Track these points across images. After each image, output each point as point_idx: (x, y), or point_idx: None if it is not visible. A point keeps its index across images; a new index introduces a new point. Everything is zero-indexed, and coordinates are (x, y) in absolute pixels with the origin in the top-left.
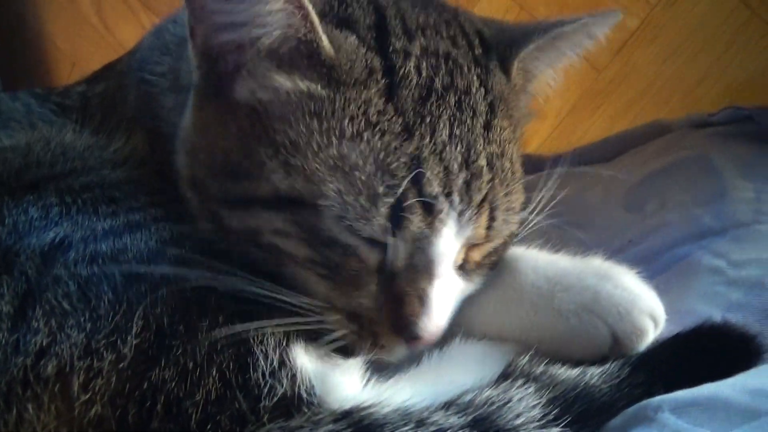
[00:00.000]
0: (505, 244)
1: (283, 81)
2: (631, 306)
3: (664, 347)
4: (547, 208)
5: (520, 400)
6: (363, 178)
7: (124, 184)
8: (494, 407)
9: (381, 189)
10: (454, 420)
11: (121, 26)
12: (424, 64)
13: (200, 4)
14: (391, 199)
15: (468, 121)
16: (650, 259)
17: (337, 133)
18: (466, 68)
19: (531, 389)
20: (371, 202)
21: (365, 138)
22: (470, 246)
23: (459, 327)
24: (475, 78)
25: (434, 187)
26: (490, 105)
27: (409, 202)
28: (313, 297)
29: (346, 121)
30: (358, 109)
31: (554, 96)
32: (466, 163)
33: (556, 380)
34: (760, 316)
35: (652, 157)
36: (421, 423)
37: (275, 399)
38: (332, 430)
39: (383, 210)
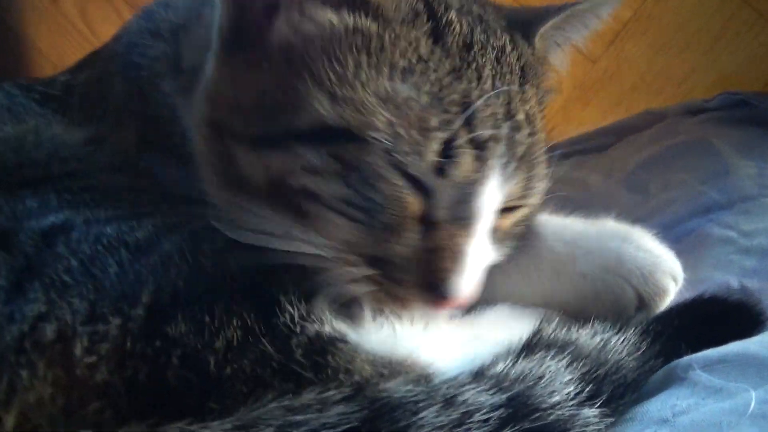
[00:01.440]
0: (531, 214)
1: (330, 16)
2: (654, 268)
3: (676, 315)
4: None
5: (553, 375)
6: (416, 110)
7: (120, 189)
8: (528, 384)
9: (434, 122)
10: (486, 398)
11: (107, 29)
12: (463, 18)
13: None
14: (444, 134)
15: (507, 76)
16: (659, 235)
17: (387, 66)
18: (498, 31)
19: (563, 362)
20: (424, 135)
21: (417, 71)
22: (503, 210)
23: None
24: (507, 41)
25: (486, 129)
26: (522, 68)
27: (462, 140)
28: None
29: (397, 55)
30: (408, 45)
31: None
32: (509, 113)
33: (583, 351)
34: None
35: (649, 143)
36: (449, 403)
37: (306, 339)
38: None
39: (435, 145)
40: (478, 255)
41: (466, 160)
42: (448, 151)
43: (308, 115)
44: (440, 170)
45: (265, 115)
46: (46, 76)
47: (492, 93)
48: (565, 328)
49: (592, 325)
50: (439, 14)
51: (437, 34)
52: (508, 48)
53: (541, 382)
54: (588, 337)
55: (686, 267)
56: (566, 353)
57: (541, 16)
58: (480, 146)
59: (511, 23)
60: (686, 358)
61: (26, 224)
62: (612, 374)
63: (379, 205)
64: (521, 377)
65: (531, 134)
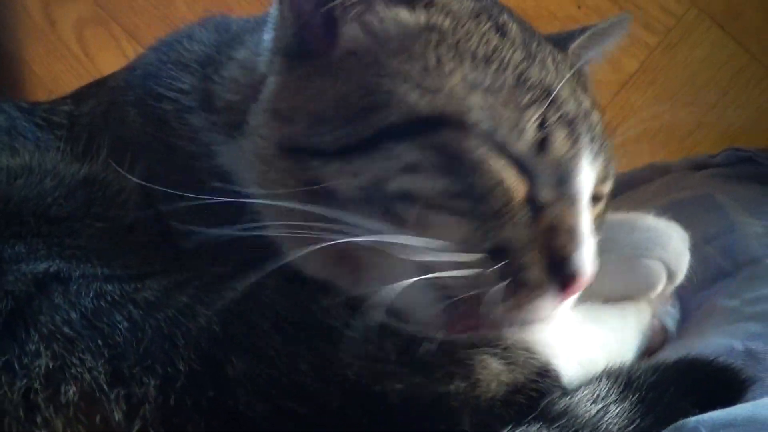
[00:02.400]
0: (606, 207)
1: (403, 14)
2: (674, 242)
3: (671, 382)
4: None
5: None
6: (505, 91)
7: (118, 242)
8: None
9: (526, 100)
10: None
11: (102, 54)
12: (514, 23)
13: None
14: (539, 110)
15: (565, 69)
16: None
17: (468, 56)
18: (543, 41)
19: None
20: (519, 113)
21: (495, 59)
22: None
23: None
24: (552, 47)
25: (570, 107)
26: (571, 67)
27: (554, 118)
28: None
29: (474, 45)
30: (481, 38)
31: None
32: (577, 101)
33: (576, 425)
34: None
35: (653, 197)
36: None
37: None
38: None
39: (532, 121)
40: (589, 230)
41: (560, 136)
42: (542, 129)
43: (399, 110)
44: (540, 149)
45: (351, 120)
46: (43, 100)
47: (566, 77)
48: (566, 396)
49: (599, 384)
50: (495, 15)
51: (501, 31)
52: (555, 51)
53: None
54: (589, 402)
55: (693, 339)
56: (556, 424)
57: (567, 37)
58: (570, 123)
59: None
60: (693, 420)
61: (14, 266)
62: None
63: (485, 191)
64: None
65: (599, 118)
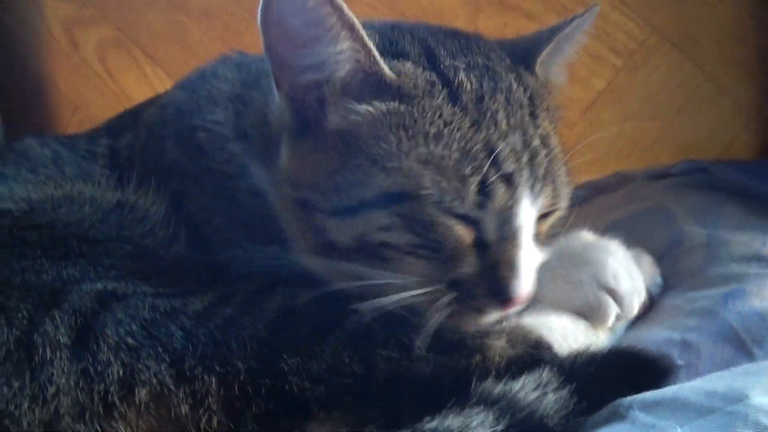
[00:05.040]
0: (563, 218)
1: (365, 108)
2: (634, 276)
3: (604, 372)
4: None
5: (477, 426)
6: (451, 165)
7: (156, 264)
8: None
9: (467, 170)
10: None
11: (125, 75)
12: (471, 74)
13: (280, 56)
14: (477, 177)
15: (518, 112)
16: None
17: (421, 135)
18: (503, 74)
19: (490, 417)
20: (462, 182)
21: (445, 134)
22: (540, 218)
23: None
24: (512, 80)
25: (509, 164)
26: (530, 98)
27: (493, 178)
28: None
29: (427, 124)
30: (434, 114)
31: None
32: (525, 143)
33: (514, 406)
34: (713, 335)
35: (616, 207)
36: None
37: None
38: None
39: (473, 187)
40: (528, 260)
41: (499, 193)
42: (484, 189)
43: (372, 187)
44: (481, 205)
45: (338, 191)
46: (68, 116)
47: (507, 134)
48: (503, 383)
49: (542, 373)
50: (451, 78)
51: (453, 97)
52: (514, 86)
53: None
54: (530, 389)
55: (639, 331)
56: (496, 407)
57: (536, 45)
58: (508, 179)
59: (514, 58)
60: (628, 399)
61: (75, 286)
62: (535, 426)
63: (440, 242)
64: (448, 429)
65: (548, 153)
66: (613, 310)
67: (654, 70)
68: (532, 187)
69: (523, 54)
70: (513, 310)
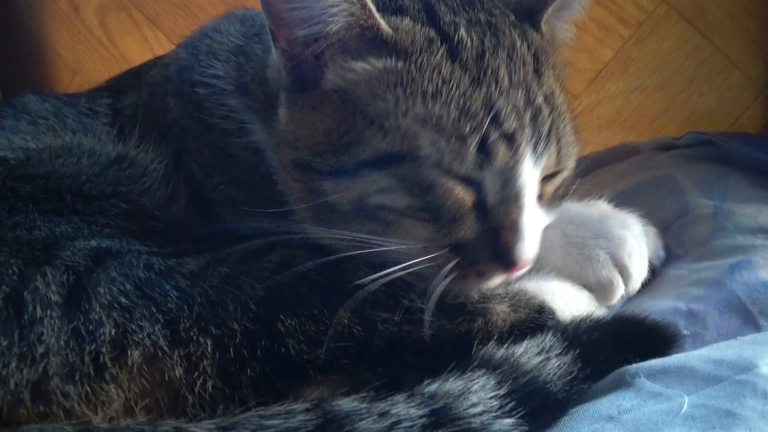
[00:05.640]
0: (569, 178)
1: (361, 65)
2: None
3: (603, 342)
4: None
5: (479, 390)
6: (449, 124)
7: (150, 219)
8: (452, 398)
9: (467, 129)
10: (414, 411)
11: (125, 39)
12: (472, 31)
13: (276, 9)
14: (477, 136)
15: (520, 69)
16: None
17: (419, 93)
18: (506, 30)
19: (492, 381)
20: (461, 142)
21: (443, 92)
22: (545, 179)
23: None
24: (516, 37)
25: (511, 122)
26: (534, 55)
27: (493, 137)
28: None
29: (425, 82)
30: (432, 71)
31: None
32: (529, 101)
33: (517, 371)
34: (719, 306)
35: (623, 176)
36: (382, 416)
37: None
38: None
39: (472, 147)
40: (531, 222)
41: (500, 152)
42: (484, 148)
43: (369, 147)
44: (481, 165)
45: (336, 151)
46: (68, 80)
47: (509, 91)
48: (505, 347)
49: (545, 338)
50: (450, 35)
51: (453, 54)
52: (518, 42)
53: (465, 394)
54: (533, 354)
55: (644, 301)
56: (498, 371)
57: (541, 1)
58: (509, 137)
59: (518, 15)
60: (634, 366)
61: (69, 242)
62: (539, 391)
63: (440, 205)
64: (447, 393)
65: (552, 111)
66: (621, 291)
67: (662, 41)
68: (535, 146)
69: (529, 11)
70: (517, 274)
